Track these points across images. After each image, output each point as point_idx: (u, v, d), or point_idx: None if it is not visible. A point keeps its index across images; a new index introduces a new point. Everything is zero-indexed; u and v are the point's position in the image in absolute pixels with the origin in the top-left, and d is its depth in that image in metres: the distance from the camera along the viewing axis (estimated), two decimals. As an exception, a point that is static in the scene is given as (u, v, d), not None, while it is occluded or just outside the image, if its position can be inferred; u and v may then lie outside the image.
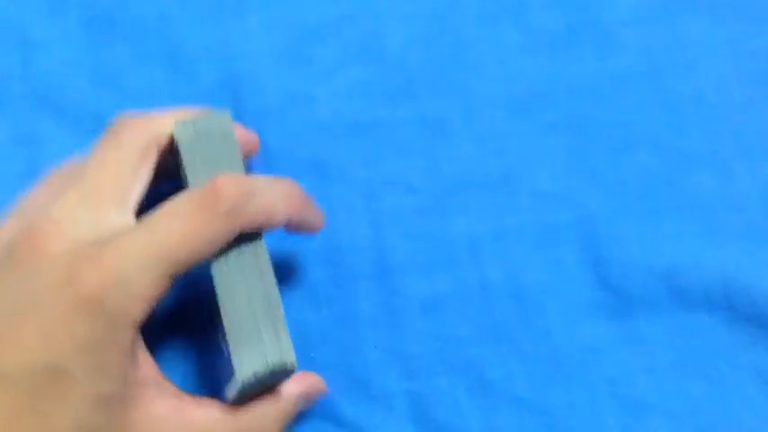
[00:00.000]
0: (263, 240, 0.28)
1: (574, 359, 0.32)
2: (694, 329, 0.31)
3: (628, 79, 0.35)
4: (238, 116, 0.37)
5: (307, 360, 0.33)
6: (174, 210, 0.26)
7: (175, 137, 0.28)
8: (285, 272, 0.34)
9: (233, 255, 0.27)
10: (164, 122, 0.28)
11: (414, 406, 0.32)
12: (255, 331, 0.26)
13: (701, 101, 0.34)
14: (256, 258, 0.27)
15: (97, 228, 0.26)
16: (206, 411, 0.27)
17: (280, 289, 0.28)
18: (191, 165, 0.28)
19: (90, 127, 0.38)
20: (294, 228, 0.29)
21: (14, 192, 0.29)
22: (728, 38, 0.35)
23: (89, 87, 0.38)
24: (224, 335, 0.27)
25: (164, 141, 0.28)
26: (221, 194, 0.25)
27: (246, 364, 0.26)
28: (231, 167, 0.28)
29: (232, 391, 0.27)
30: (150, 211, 0.26)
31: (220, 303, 0.27)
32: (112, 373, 0.25)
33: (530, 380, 0.32)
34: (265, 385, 0.28)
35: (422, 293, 0.33)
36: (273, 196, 0.27)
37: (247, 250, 0.27)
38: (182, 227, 0.25)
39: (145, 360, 0.27)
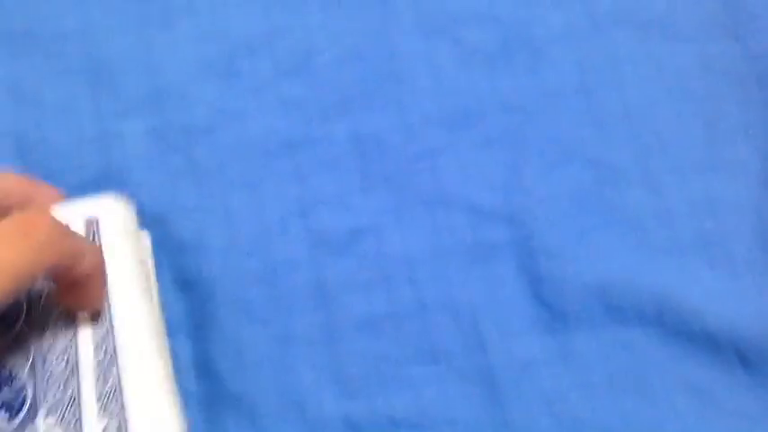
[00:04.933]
0: None
1: (509, 377, 0.32)
2: (627, 345, 0.32)
3: (559, 95, 0.35)
4: (165, 131, 0.36)
5: (241, 380, 0.32)
6: None
7: None
8: (221, 291, 0.33)
9: None
10: None
11: (349, 428, 0.32)
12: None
13: (630, 116, 0.35)
14: None
15: None
16: None
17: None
18: None
19: (9, 143, 0.36)
20: (80, 286, 0.27)
21: None
22: (655, 55, 0.35)
23: (8, 102, 0.36)
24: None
25: None
26: (37, 225, 0.24)
27: None
28: None
29: None
30: None
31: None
32: None
33: (466, 399, 0.32)
34: None
35: (358, 313, 0.33)
36: (83, 243, 0.27)
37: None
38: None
39: None
